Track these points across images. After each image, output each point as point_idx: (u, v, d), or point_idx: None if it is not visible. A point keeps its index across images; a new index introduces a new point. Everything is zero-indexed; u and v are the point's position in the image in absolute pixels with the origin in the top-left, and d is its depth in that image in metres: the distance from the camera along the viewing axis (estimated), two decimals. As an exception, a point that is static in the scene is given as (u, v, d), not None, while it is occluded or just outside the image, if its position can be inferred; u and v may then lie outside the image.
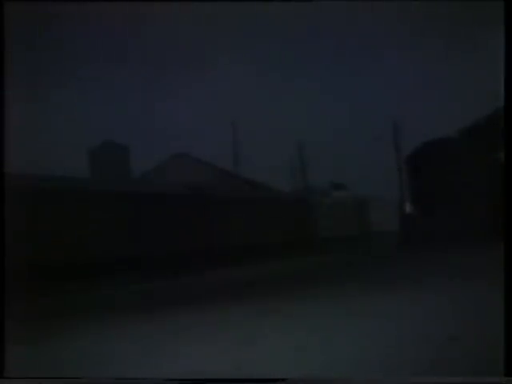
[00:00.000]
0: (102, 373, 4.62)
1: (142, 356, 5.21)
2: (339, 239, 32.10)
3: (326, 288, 9.94)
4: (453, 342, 4.60)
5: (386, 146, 36.51)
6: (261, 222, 26.02)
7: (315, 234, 31.22)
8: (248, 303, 8.55)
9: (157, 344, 5.75)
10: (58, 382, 4.17)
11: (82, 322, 7.90)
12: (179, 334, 6.34)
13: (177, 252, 19.68)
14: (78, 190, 17.25)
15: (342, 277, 12.49)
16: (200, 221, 21.75)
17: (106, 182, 21.49)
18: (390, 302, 7.32)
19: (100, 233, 17.30)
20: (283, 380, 3.80)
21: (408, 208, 30.85)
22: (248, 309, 7.88)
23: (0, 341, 4.48)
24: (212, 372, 4.28)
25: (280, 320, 6.69)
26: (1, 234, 4.89)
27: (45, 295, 12.09)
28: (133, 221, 18.74)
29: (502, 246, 4.28)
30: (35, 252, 14.41)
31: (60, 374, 4.59)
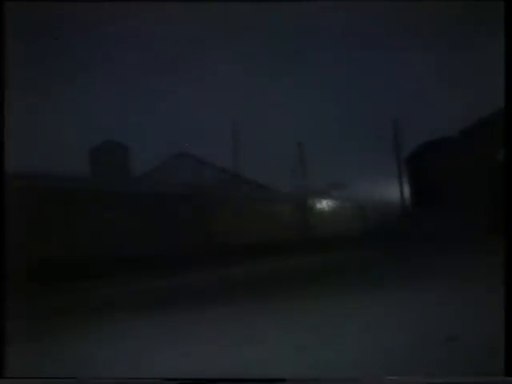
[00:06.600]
0: (101, 372, 4.61)
1: (141, 356, 5.20)
2: (339, 239, 32.07)
3: (324, 289, 9.93)
4: (452, 342, 4.60)
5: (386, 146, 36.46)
6: (260, 221, 25.99)
7: (314, 233, 31.20)
8: (246, 302, 8.56)
9: (157, 343, 5.75)
10: (57, 382, 4.17)
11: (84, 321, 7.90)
12: (179, 333, 6.34)
13: (176, 252, 19.66)
14: (77, 189, 17.24)
15: (340, 277, 12.46)
16: (199, 220, 21.73)
17: (105, 181, 21.48)
18: (389, 302, 7.31)
19: (100, 232, 17.30)
20: (283, 380, 3.79)
21: (408, 208, 30.84)
22: (247, 307, 7.88)
23: (0, 341, 4.47)
24: (212, 372, 4.27)
25: (281, 317, 6.70)
26: (1, 233, 4.89)
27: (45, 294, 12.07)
28: (132, 220, 18.73)
29: (503, 245, 4.28)
30: (33, 251, 14.40)
31: (60, 373, 4.58)
